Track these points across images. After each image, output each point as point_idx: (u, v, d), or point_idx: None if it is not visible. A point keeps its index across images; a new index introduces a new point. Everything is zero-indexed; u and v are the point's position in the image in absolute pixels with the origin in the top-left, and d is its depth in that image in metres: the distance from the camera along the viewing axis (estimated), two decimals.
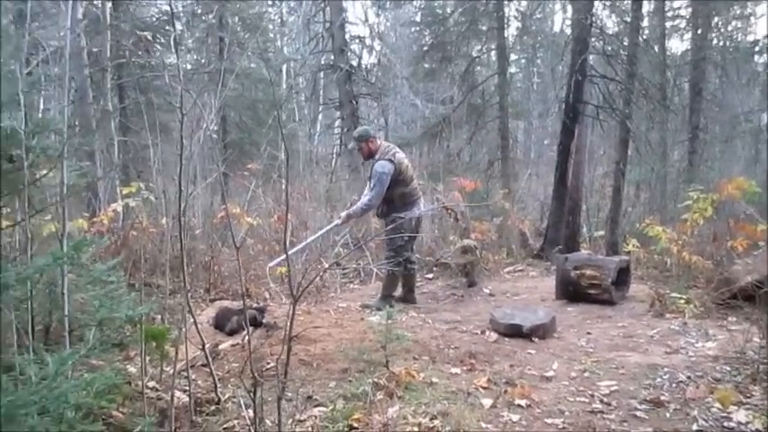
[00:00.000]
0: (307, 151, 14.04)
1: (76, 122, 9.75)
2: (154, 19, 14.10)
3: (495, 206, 9.13)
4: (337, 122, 15.07)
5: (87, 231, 6.11)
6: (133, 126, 12.63)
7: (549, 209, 9.75)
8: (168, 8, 13.45)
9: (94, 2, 11.97)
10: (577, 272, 5.91)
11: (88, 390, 2.30)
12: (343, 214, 5.91)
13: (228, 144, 12.96)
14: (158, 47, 13.29)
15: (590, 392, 3.59)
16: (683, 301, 5.42)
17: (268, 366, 3.71)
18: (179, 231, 2.98)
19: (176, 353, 3.06)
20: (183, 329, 3.12)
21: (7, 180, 2.57)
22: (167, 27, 13.53)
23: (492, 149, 13.40)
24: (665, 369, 3.94)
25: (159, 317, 4.53)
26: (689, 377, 3.80)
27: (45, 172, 2.75)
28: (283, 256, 5.67)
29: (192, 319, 3.41)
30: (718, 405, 3.33)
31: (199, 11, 15.34)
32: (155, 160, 7.20)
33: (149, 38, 12.67)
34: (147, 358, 3.47)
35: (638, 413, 3.33)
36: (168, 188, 6.72)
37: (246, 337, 4.25)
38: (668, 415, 3.31)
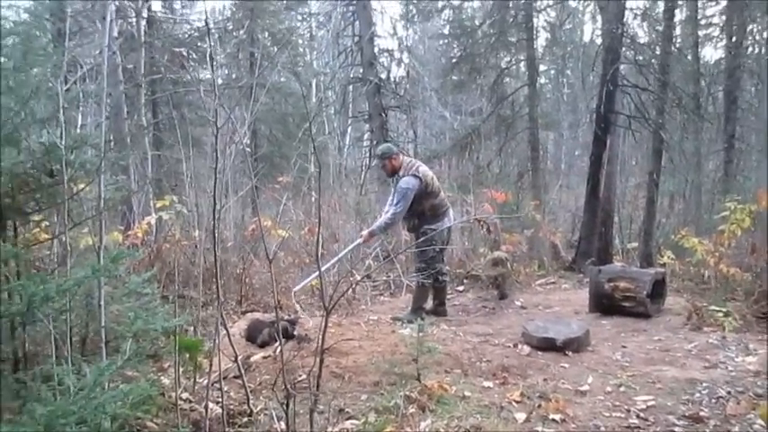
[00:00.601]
0: (336, 164, 14.12)
1: (111, 138, 9.96)
2: (186, 36, 14.39)
3: (526, 218, 9.05)
4: (366, 135, 15.11)
5: (122, 244, 6.22)
6: (166, 141, 12.87)
7: (580, 220, 9.64)
8: (200, 25, 13.72)
9: (129, 20, 12.27)
10: (611, 284, 5.82)
11: (124, 400, 2.33)
12: (365, 232, 5.87)
13: (259, 157, 13.13)
14: (191, 63, 13.55)
15: (626, 407, 3.52)
16: (721, 315, 5.30)
17: (300, 379, 3.71)
18: (212, 244, 3.01)
19: (210, 364, 3.08)
20: (216, 341, 3.14)
21: (48, 194, 2.63)
22: (199, 43, 13.79)
23: (522, 161, 13.31)
24: (704, 384, 3.85)
25: (192, 329, 4.56)
26: (729, 392, 3.70)
27: (83, 186, 2.82)
28: (308, 279, 5.70)
29: (224, 331, 3.44)
30: (760, 422, 3.24)
31: (230, 27, 15.61)
32: (187, 174, 7.34)
33: (184, 53, 12.92)
34: (181, 370, 3.50)
35: (676, 429, 3.25)
36: (201, 201, 6.85)
37: (278, 349, 4.29)
38: (708, 431, 3.22)
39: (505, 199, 8.47)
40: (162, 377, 3.72)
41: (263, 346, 4.62)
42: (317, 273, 5.63)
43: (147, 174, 10.24)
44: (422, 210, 5.72)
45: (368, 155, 13.49)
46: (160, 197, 7.76)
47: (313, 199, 10.92)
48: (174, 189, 9.29)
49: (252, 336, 4.76)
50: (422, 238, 5.56)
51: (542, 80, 19.17)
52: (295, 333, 4.67)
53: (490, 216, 7.21)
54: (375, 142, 12.10)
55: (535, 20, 12.97)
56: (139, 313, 2.75)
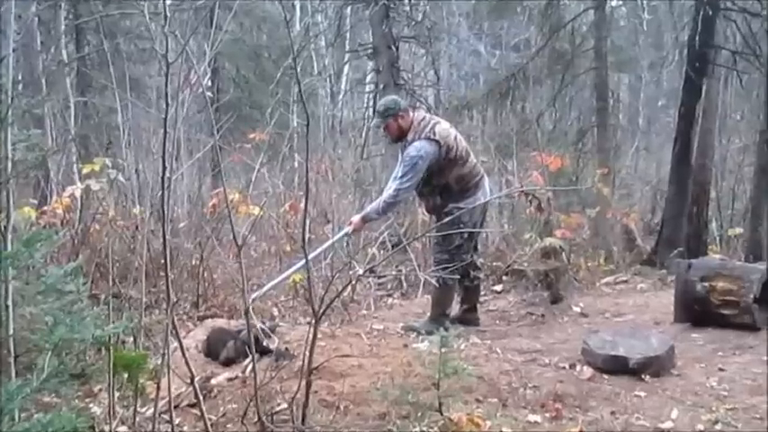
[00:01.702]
0: (328, 116, 14.12)
1: (21, 77, 9.96)
2: None
3: (589, 192, 9.03)
4: (370, 76, 15.07)
5: (36, 223, 6.25)
6: (96, 82, 12.84)
7: (664, 196, 9.62)
8: None
9: None
10: (706, 284, 5.82)
11: None
12: (356, 218, 5.83)
13: (223, 106, 13.10)
14: None
15: None
16: None
17: (278, 408, 3.74)
18: (161, 225, 3.02)
19: (157, 388, 3.10)
20: (166, 357, 3.16)
21: None
22: None
23: (585, 113, 13.25)
24: None
25: (132, 339, 4.60)
26: None
27: None
28: (274, 282, 5.65)
29: (175, 343, 3.46)
30: None
31: None
32: (125, 128, 7.33)
33: None
34: (117, 395, 3.53)
35: None
36: (143, 166, 6.84)
37: (249, 369, 4.31)
38: None
39: (561, 166, 8.44)
40: (91, 404, 3.76)
41: (227, 364, 4.66)
42: (291, 271, 5.67)
43: (70, 127, 10.26)
44: (445, 183, 5.69)
45: (372, 104, 13.48)
46: (87, 160, 7.77)
47: (296, 164, 10.92)
48: (107, 149, 9.30)
49: (213, 350, 4.80)
50: (445, 220, 5.52)
51: (614, 2, 19.00)
52: (272, 347, 4.70)
53: (540, 189, 7.18)
54: (382, 87, 12.06)
55: None
56: (61, 317, 2.76)
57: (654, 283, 7.76)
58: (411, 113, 5.76)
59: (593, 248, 8.59)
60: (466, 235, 5.67)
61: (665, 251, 8.55)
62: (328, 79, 17.46)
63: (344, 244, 6.48)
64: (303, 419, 2.93)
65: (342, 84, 18.04)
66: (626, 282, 7.85)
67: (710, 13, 8.52)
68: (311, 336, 2.81)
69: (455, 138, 5.71)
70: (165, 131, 2.78)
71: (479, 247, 6.47)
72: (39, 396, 2.90)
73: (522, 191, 6.75)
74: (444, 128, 5.70)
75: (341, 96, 17.94)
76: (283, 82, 12.87)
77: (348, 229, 5.85)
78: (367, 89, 15.56)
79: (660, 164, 13.30)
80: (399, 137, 5.74)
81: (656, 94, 19.51)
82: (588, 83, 12.72)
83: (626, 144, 14.20)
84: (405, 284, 7.60)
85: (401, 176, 5.59)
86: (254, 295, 5.33)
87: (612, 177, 10.45)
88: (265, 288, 5.61)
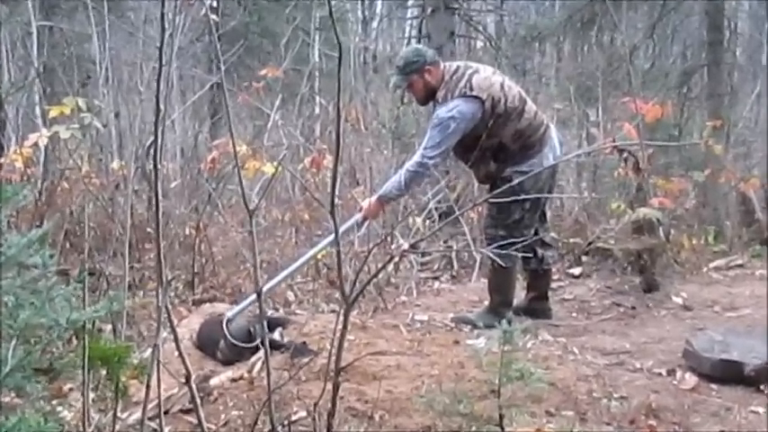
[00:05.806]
0: (359, 49, 14.07)
1: None
2: None
3: (697, 150, 8.94)
4: None
5: None
6: (65, 3, 12.90)
7: None
8: None
9: None
10: None
11: None
12: (371, 200, 5.67)
13: (226, 35, 13.10)
14: None
15: None
16: None
17: (296, 417, 3.78)
18: (150, 184, 3.03)
19: (147, 388, 3.13)
20: (156, 349, 3.19)
21: None
22: None
23: (693, 48, 13.09)
24: None
25: (110, 327, 4.65)
26: None
27: None
28: (293, 267, 5.54)
29: (165, 333, 3.50)
30: None
31: None
32: (101, 61, 7.36)
33: None
34: (93, 396, 3.57)
35: None
36: (125, 109, 6.87)
37: (258, 367, 4.35)
38: None
39: (660, 116, 8.33)
40: (60, 407, 3.80)
41: (227, 363, 4.69)
42: (312, 253, 5.64)
43: (33, 59, 10.34)
44: (499, 144, 5.58)
45: (417, 34, 13.43)
46: (55, 101, 7.82)
47: (318, 108, 10.92)
48: (81, 86, 9.36)
49: (207, 343, 4.82)
50: (502, 188, 5.35)
51: None
52: (285, 341, 4.73)
53: (635, 144, 7.09)
54: (429, 11, 12.00)
55: None
56: (24, 297, 2.79)
57: None
58: (441, 66, 5.64)
59: (699, 223, 8.52)
60: (528, 205, 5.58)
61: None
62: (360, 1, 17.40)
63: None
64: (328, 431, 2.95)
65: (377, 7, 17.98)
66: (742, 266, 7.80)
67: None
68: (339, 327, 2.81)
69: (501, 85, 5.56)
70: (161, 64, 2.78)
71: (549, 218, 6.41)
72: None
73: (615, 146, 6.64)
74: (484, 77, 5.55)
75: (376, 23, 17.90)
76: (302, 4, 12.83)
77: (358, 216, 5.67)
78: (409, 14, 15.52)
79: None
80: (428, 97, 5.65)
81: None
82: (697, 9, 12.57)
83: (745, 89, 14.02)
84: (456, 264, 7.59)
85: (426, 142, 5.49)
86: (267, 286, 5.18)
87: (727, 132, 10.32)
88: (280, 277, 5.50)
